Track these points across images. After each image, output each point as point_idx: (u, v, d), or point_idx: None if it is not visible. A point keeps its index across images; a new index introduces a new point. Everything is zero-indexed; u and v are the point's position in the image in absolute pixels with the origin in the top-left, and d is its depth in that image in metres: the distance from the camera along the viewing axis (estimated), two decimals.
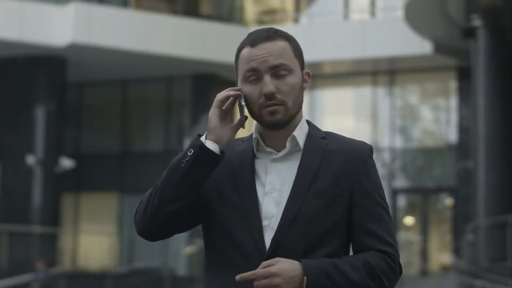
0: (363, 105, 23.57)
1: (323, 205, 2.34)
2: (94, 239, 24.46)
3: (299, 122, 2.43)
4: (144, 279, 21.65)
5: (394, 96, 23.37)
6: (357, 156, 2.42)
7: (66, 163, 22.16)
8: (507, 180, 16.17)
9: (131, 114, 25.18)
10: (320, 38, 22.32)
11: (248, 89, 2.39)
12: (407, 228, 23.75)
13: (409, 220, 23.79)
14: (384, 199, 2.41)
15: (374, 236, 2.36)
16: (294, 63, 2.40)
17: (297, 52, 2.43)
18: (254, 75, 2.38)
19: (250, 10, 25.90)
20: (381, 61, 22.52)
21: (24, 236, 21.35)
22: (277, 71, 2.37)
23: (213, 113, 2.38)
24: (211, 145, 2.35)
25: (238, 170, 2.41)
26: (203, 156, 2.34)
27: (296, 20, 25.46)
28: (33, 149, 22.05)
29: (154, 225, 2.39)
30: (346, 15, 24.46)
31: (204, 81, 23.03)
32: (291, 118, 2.39)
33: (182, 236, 21.04)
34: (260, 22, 25.45)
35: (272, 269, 2.23)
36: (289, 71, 2.38)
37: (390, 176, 22.95)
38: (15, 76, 22.50)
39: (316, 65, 22.79)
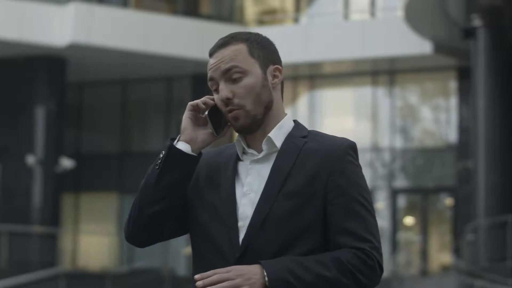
0: (363, 105, 23.57)
1: (295, 205, 2.30)
2: (94, 239, 24.47)
3: (278, 122, 2.42)
4: (144, 279, 21.65)
5: (394, 96, 23.37)
6: (334, 153, 2.34)
7: (66, 163, 22.16)
8: (507, 180, 16.17)
9: (131, 114, 25.18)
10: (320, 38, 22.33)
11: (215, 97, 2.41)
12: (407, 228, 23.75)
13: (409, 220, 23.79)
14: (365, 197, 2.34)
15: (349, 234, 2.29)
16: (249, 64, 2.37)
17: (257, 51, 2.40)
18: (214, 84, 2.40)
19: (250, 10, 25.91)
20: (381, 61, 22.52)
21: (24, 236, 21.34)
22: (230, 75, 2.36)
23: (184, 115, 2.42)
24: (182, 145, 2.38)
25: (221, 173, 2.41)
26: (173, 156, 2.36)
27: (296, 20, 25.46)
28: (33, 149, 22.05)
29: (139, 230, 2.41)
30: (346, 15, 24.47)
31: (204, 81, 22.55)
32: (256, 119, 2.37)
33: (182, 236, 21.02)
34: (260, 22, 25.46)
35: (229, 269, 2.23)
36: (243, 72, 2.36)
37: (390, 176, 22.95)
38: (15, 76, 22.50)
39: (316, 65, 22.80)
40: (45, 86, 22.44)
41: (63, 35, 21.22)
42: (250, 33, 2.45)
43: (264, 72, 2.40)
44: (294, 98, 23.95)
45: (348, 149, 2.36)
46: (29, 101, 22.32)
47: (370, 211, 2.34)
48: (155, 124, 25.02)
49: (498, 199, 16.11)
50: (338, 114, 24.16)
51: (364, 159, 22.95)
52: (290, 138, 2.40)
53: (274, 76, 2.42)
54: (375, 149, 22.97)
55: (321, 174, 2.33)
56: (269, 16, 25.83)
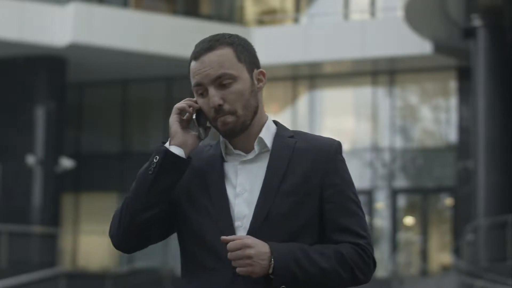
0: (363, 105, 23.56)
1: (293, 204, 2.34)
2: (94, 239, 24.45)
3: (264, 123, 2.43)
4: (144, 279, 21.65)
5: (394, 96, 23.37)
6: (326, 153, 2.40)
7: (66, 163, 22.15)
8: (507, 180, 16.17)
9: (131, 114, 25.18)
10: (320, 38, 22.32)
11: (200, 102, 2.43)
12: (407, 228, 23.75)
13: (409, 220, 23.79)
14: (355, 194, 2.41)
15: (346, 231, 2.35)
16: (238, 69, 2.38)
17: (243, 55, 2.40)
18: (201, 89, 2.42)
19: (250, 10, 25.90)
20: (381, 61, 22.52)
21: (24, 236, 21.34)
22: (220, 82, 2.37)
23: (172, 119, 2.43)
24: (175, 149, 2.38)
25: (208, 175, 2.42)
26: (168, 161, 2.36)
27: (296, 20, 25.45)
28: (33, 149, 22.04)
29: (130, 237, 2.42)
30: (346, 15, 24.47)
31: None
32: (245, 124, 2.38)
33: None
34: (260, 22, 25.46)
35: (246, 240, 2.25)
36: (233, 78, 2.37)
37: (390, 176, 22.94)
38: (15, 76, 22.49)
39: (316, 65, 22.80)
40: (45, 86, 22.43)
41: (63, 35, 21.22)
42: (232, 35, 2.44)
43: (251, 77, 2.41)
44: (294, 98, 23.94)
45: (338, 148, 2.43)
46: (29, 101, 22.31)
47: (360, 207, 2.42)
48: (155, 124, 25.02)
49: (498, 199, 16.12)
50: (338, 114, 24.15)
51: (364, 159, 22.95)
52: (278, 138, 2.43)
53: (259, 80, 2.44)
54: (375, 149, 22.97)
55: (315, 173, 2.38)
56: (269, 16, 25.82)
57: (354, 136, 23.59)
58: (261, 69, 2.45)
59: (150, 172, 2.36)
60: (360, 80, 23.63)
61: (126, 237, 2.42)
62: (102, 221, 24.56)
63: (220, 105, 2.36)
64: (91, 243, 24.51)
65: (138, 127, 25.39)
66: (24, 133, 22.29)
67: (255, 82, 2.42)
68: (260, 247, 2.25)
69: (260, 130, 2.42)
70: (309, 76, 23.56)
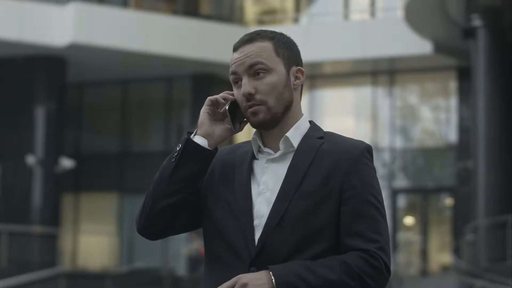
0: (363, 105, 23.57)
1: (311, 205, 2.32)
2: (94, 239, 24.46)
3: (295, 122, 2.43)
4: (144, 279, 21.65)
5: (394, 96, 23.37)
6: (349, 155, 2.37)
7: (66, 163, 22.15)
8: (507, 180, 16.16)
9: (131, 114, 25.17)
10: (320, 38, 22.32)
11: (235, 93, 2.43)
12: (407, 228, 23.75)
13: (409, 220, 23.79)
14: (377, 199, 2.36)
15: (356, 235, 2.31)
16: (274, 62, 2.40)
17: (282, 50, 2.43)
18: (236, 78, 2.41)
19: (250, 10, 25.90)
20: (381, 61, 22.52)
21: (24, 236, 21.34)
22: (255, 72, 2.38)
23: (202, 110, 2.44)
24: (198, 139, 2.40)
25: (236, 171, 2.43)
26: (190, 150, 2.38)
27: (296, 20, 25.46)
28: (33, 149, 22.04)
29: (151, 223, 2.43)
30: (346, 15, 24.47)
31: (204, 81, 23.02)
32: (276, 117, 2.39)
33: (182, 236, 21.03)
34: (260, 22, 25.45)
35: (237, 278, 2.25)
36: (268, 70, 2.38)
37: (390, 176, 22.94)
38: (15, 76, 22.49)
39: (316, 65, 22.79)
40: (45, 86, 22.43)
41: (63, 35, 21.22)
42: (275, 32, 2.48)
43: (288, 72, 2.42)
44: None
45: (364, 151, 2.41)
46: (29, 101, 22.31)
47: (381, 212, 2.36)
48: (155, 124, 25.01)
49: (498, 199, 16.11)
50: (338, 114, 24.15)
51: None
52: (306, 139, 2.42)
53: (296, 77, 2.45)
54: (375, 149, 22.96)
55: (337, 175, 2.35)
56: (269, 16, 25.82)
57: (354, 136, 23.34)
58: (299, 67, 2.46)
59: (172, 160, 2.39)
60: (360, 80, 23.63)
61: (147, 223, 2.43)
62: (102, 221, 24.59)
63: (250, 94, 2.37)
64: (91, 243, 24.51)
65: (138, 127, 25.38)
66: (24, 133, 22.29)
67: (292, 78, 2.43)
68: (254, 274, 2.25)
69: (289, 129, 2.42)
70: (309, 76, 23.55)
